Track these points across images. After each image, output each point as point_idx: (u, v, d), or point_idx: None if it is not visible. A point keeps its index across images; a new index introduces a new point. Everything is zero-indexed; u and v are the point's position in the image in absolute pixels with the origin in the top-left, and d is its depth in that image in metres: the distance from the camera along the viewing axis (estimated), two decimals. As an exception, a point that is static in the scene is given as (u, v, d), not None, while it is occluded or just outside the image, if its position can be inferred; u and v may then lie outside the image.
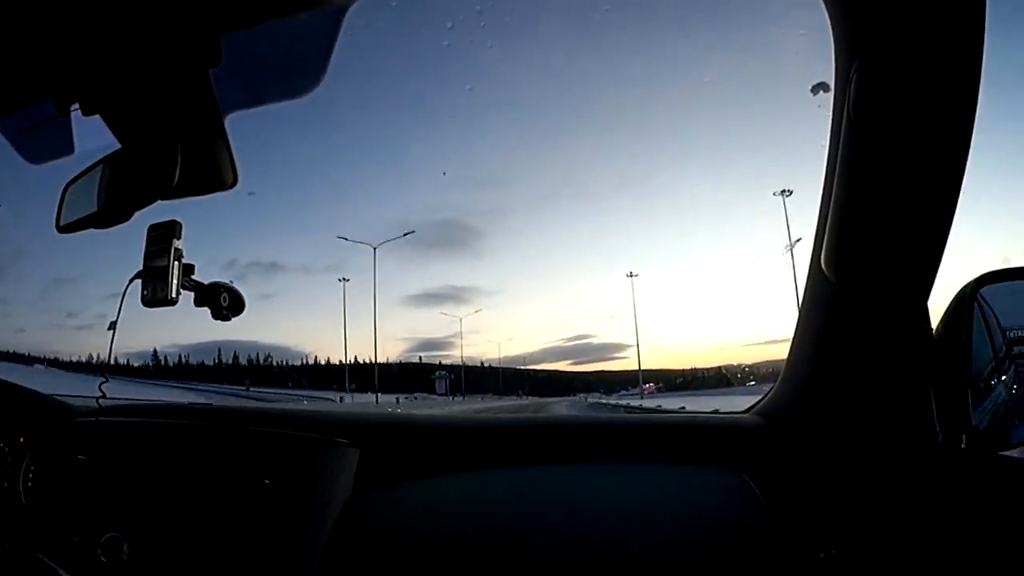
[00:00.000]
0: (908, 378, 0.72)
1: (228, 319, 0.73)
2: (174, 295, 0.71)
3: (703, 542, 0.72)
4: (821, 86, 0.73)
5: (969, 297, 0.76)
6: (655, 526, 0.73)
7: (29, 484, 0.97)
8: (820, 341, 0.77)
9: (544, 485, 0.80)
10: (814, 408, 0.78)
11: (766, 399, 0.87)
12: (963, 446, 0.70)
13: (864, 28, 0.64)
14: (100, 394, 0.90)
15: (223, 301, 0.73)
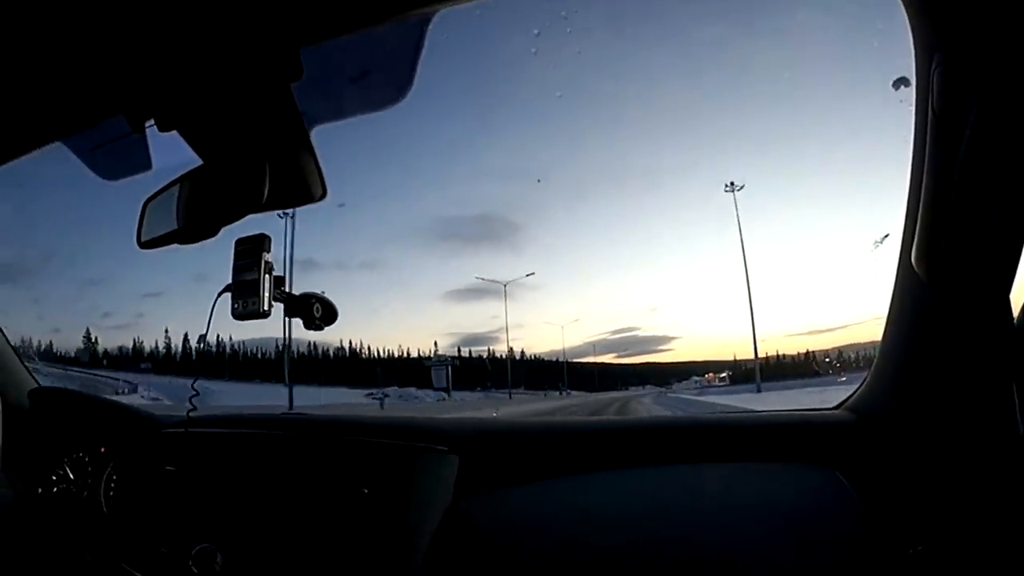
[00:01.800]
0: (992, 372, 0.72)
1: (321, 328, 0.74)
2: (266, 307, 0.72)
3: (794, 538, 0.72)
4: (902, 81, 0.73)
5: None
6: (748, 522, 0.74)
7: (111, 494, 0.99)
8: (911, 337, 0.77)
9: (641, 487, 0.80)
10: (906, 403, 0.78)
11: (857, 395, 0.87)
12: None
13: (942, 23, 0.64)
14: (191, 408, 0.91)
15: (316, 312, 0.74)
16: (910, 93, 0.72)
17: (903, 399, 0.78)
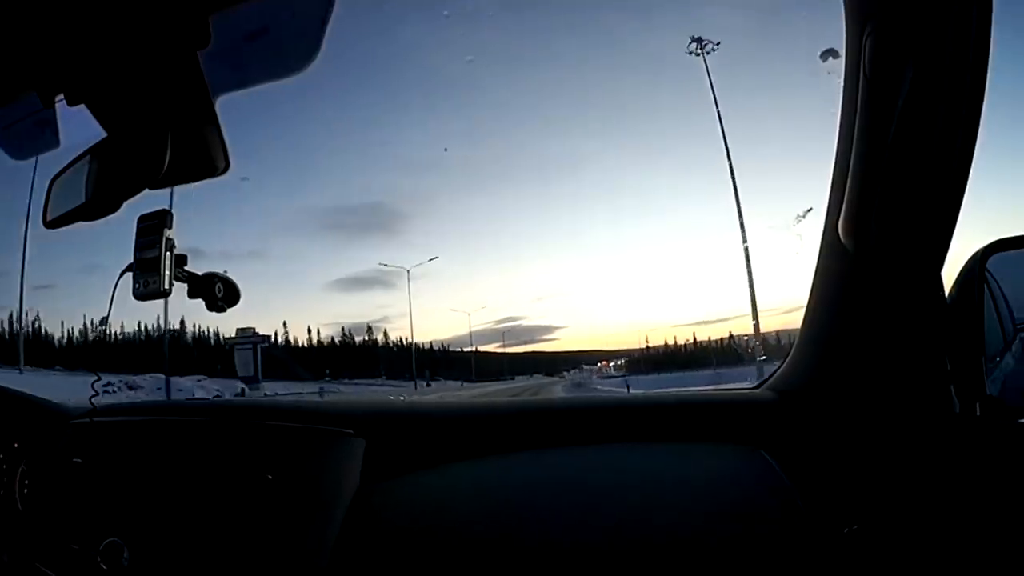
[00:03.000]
0: (924, 347, 0.71)
1: (223, 310, 0.71)
2: (167, 287, 0.69)
3: (725, 521, 0.70)
4: (830, 52, 0.72)
5: (979, 265, 0.76)
6: (675, 506, 0.72)
7: (25, 491, 0.94)
8: (836, 312, 0.76)
9: (558, 469, 0.78)
10: (831, 380, 0.77)
11: (779, 373, 0.86)
12: (978, 415, 0.70)
13: None
14: (94, 393, 0.87)
15: (218, 292, 0.71)
16: (838, 65, 0.72)
17: (826, 376, 0.77)
